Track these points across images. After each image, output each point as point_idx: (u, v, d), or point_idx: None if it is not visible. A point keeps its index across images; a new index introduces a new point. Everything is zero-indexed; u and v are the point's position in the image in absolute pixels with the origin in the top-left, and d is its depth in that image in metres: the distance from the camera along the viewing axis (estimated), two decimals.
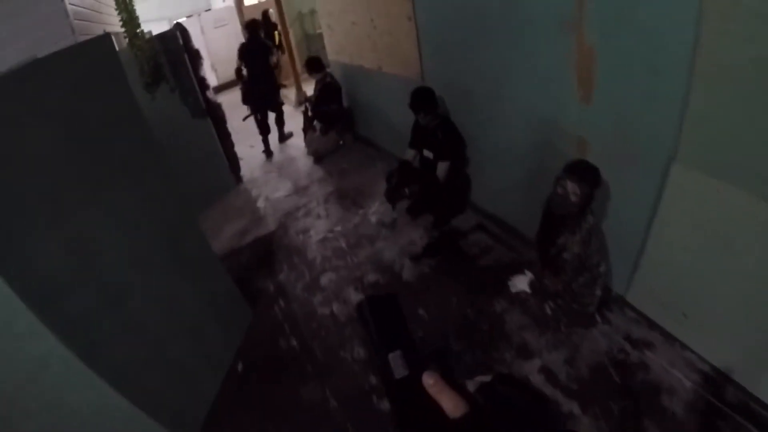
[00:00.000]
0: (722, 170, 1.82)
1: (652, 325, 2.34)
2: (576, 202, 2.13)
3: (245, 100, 5.49)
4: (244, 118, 5.60)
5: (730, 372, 2.06)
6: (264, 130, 5.64)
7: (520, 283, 2.64)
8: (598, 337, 2.35)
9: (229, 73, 10.46)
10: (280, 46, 6.79)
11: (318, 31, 8.55)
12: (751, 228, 1.78)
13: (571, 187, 2.12)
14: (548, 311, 2.52)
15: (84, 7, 5.35)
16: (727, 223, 1.87)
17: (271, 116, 5.72)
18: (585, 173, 2.13)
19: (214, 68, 10.26)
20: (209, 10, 13.16)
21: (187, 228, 2.70)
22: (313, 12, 8.73)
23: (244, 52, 5.28)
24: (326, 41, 5.35)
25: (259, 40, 5.31)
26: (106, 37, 2.41)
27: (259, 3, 10.39)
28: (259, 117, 5.55)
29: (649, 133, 2.02)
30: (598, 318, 2.44)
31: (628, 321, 2.40)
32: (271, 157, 5.72)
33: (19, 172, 1.73)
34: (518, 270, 2.76)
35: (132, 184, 2.34)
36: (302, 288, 3.10)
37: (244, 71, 5.33)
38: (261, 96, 5.41)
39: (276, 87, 5.53)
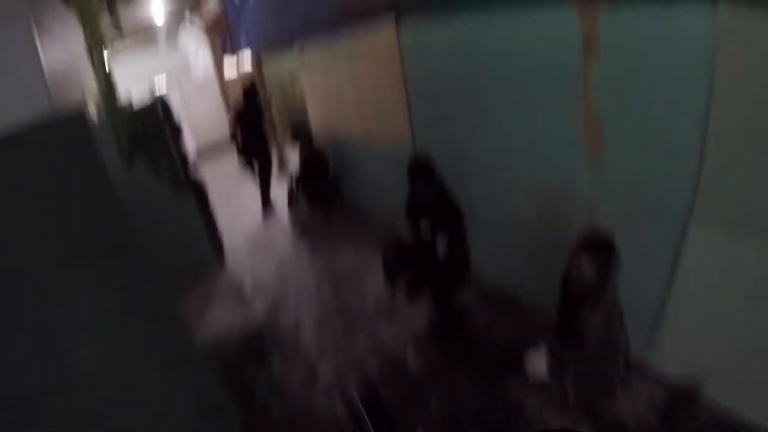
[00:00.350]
0: (742, 226, 1.77)
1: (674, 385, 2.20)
2: (594, 278, 2.01)
3: (240, 156, 5.65)
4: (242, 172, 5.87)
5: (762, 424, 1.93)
6: (262, 181, 5.64)
7: (537, 363, 2.44)
8: (623, 406, 2.19)
9: (208, 139, 10.54)
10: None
11: (299, 96, 8.61)
12: None
13: (587, 265, 2.00)
14: (569, 387, 2.32)
15: (63, 67, 5.24)
16: (750, 279, 1.80)
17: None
18: (600, 248, 2.02)
19: (193, 132, 10.23)
20: (189, 73, 13.35)
21: (168, 321, 2.47)
22: (292, 78, 8.81)
23: (240, 116, 5.40)
24: (309, 107, 5.34)
25: (255, 106, 5.44)
26: (80, 115, 2.27)
27: (239, 72, 10.56)
28: (255, 169, 5.60)
29: (664, 194, 1.98)
30: (619, 386, 2.27)
31: (650, 383, 2.26)
32: (270, 210, 5.67)
33: None
34: (531, 344, 2.56)
35: (106, 276, 2.14)
36: (299, 382, 2.81)
37: (239, 136, 5.44)
38: (254, 158, 5.51)
39: (267, 152, 5.58)
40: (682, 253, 1.98)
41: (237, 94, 8.76)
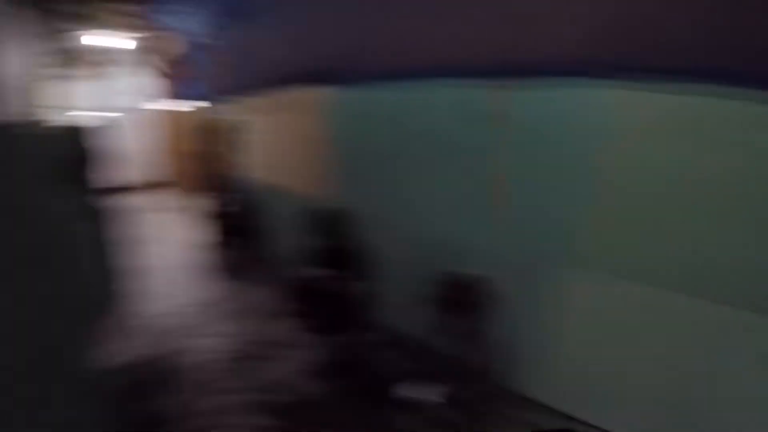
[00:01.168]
0: (617, 268, 2.13)
1: (563, 415, 2.43)
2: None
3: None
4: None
5: None
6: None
7: (430, 393, 2.60)
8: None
9: (144, 174, 10.28)
10: None
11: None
12: (648, 314, 2.08)
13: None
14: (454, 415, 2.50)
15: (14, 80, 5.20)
16: (626, 314, 2.14)
17: None
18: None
19: (138, 167, 10.02)
20: (139, 108, 13.10)
21: (72, 341, 2.43)
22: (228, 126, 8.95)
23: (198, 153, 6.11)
24: (238, 156, 5.56)
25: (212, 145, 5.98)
26: (7, 128, 2.28)
27: (189, 110, 10.57)
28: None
29: (550, 243, 2.33)
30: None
31: (539, 415, 2.46)
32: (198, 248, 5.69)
33: None
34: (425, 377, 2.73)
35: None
36: (201, 409, 2.73)
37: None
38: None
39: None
40: (564, 295, 2.32)
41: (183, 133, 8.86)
